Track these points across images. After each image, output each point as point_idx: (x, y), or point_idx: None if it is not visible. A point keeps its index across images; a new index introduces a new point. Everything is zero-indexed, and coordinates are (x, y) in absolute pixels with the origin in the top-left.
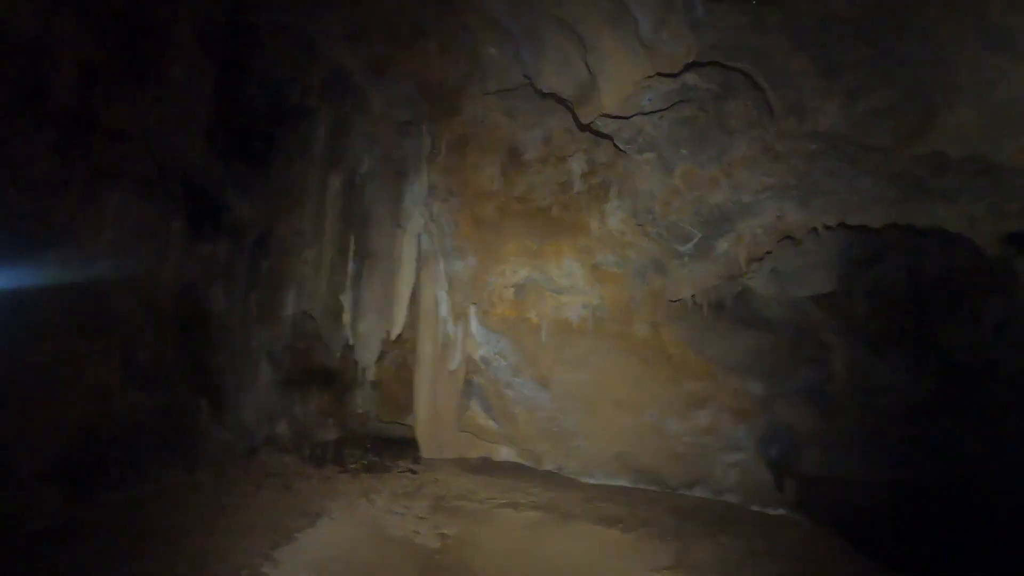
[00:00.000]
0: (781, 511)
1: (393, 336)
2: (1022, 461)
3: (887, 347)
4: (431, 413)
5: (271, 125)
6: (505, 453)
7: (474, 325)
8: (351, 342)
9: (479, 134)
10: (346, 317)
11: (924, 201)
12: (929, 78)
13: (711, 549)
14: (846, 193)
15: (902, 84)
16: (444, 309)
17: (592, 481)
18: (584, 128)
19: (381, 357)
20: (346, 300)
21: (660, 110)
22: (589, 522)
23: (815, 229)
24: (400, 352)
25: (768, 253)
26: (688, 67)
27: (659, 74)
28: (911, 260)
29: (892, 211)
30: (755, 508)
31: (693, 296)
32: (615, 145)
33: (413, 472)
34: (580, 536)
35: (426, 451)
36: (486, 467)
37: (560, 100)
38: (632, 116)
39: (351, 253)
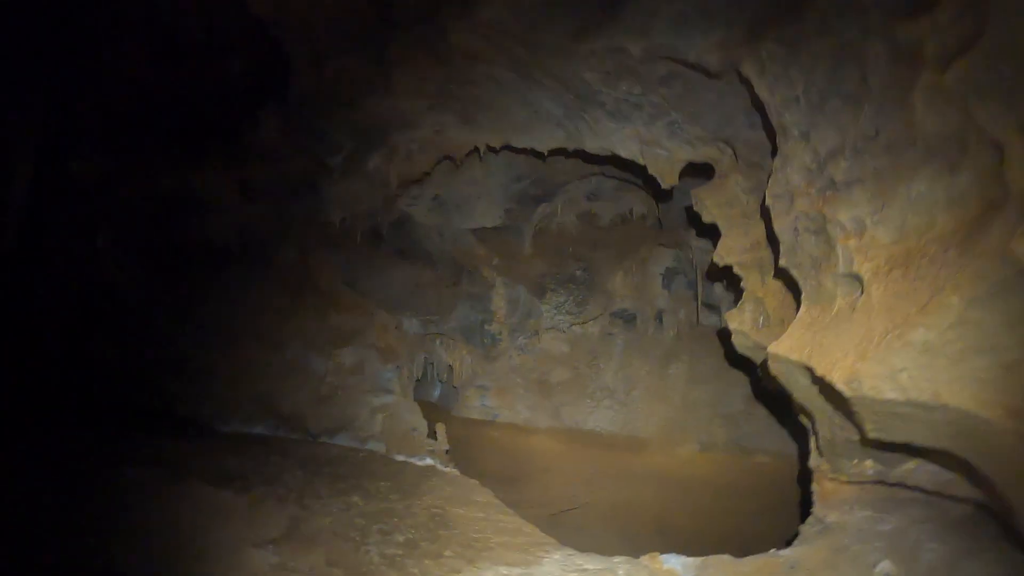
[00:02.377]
0: (429, 462)
1: None
2: None
3: (550, 288)
4: None
5: None
6: (128, 396)
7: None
8: None
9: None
10: None
11: (595, 120)
12: None
13: (336, 513)
14: (512, 108)
15: None
16: None
17: (227, 429)
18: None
19: None
20: None
21: None
22: (203, 481)
23: (477, 150)
24: None
25: (427, 175)
26: None
27: None
28: (585, 204)
29: (560, 132)
30: (400, 458)
31: (344, 220)
32: (272, 38)
33: None
34: (184, 500)
35: None
36: (103, 414)
37: None
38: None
39: None
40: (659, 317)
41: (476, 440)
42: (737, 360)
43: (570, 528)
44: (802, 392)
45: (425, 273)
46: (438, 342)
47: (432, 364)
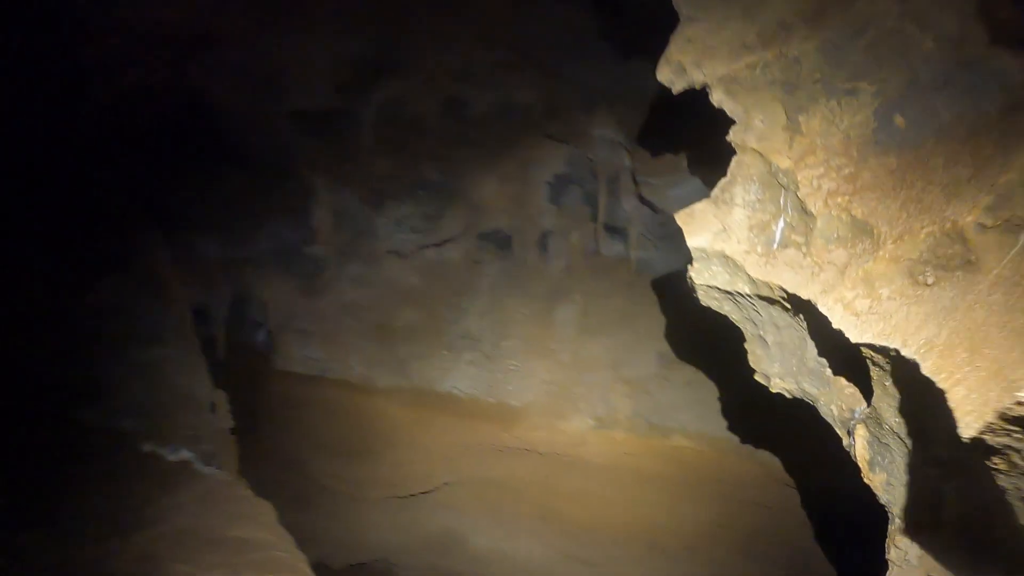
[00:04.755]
0: (185, 455)
1: None
2: None
3: (391, 195)
4: None
5: None
6: None
7: None
8: None
9: None
10: None
11: None
12: None
13: None
14: None
15: None
16: None
17: None
18: None
19: None
20: None
21: None
22: None
23: None
24: None
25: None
26: None
27: None
28: (452, 86)
29: None
30: (148, 448)
31: (112, 97)
32: None
33: None
34: None
35: None
36: None
37: None
38: None
39: None
40: (543, 242)
41: (299, 402)
42: (655, 304)
43: (431, 511)
44: None
45: (231, 177)
46: (248, 271)
47: (246, 301)
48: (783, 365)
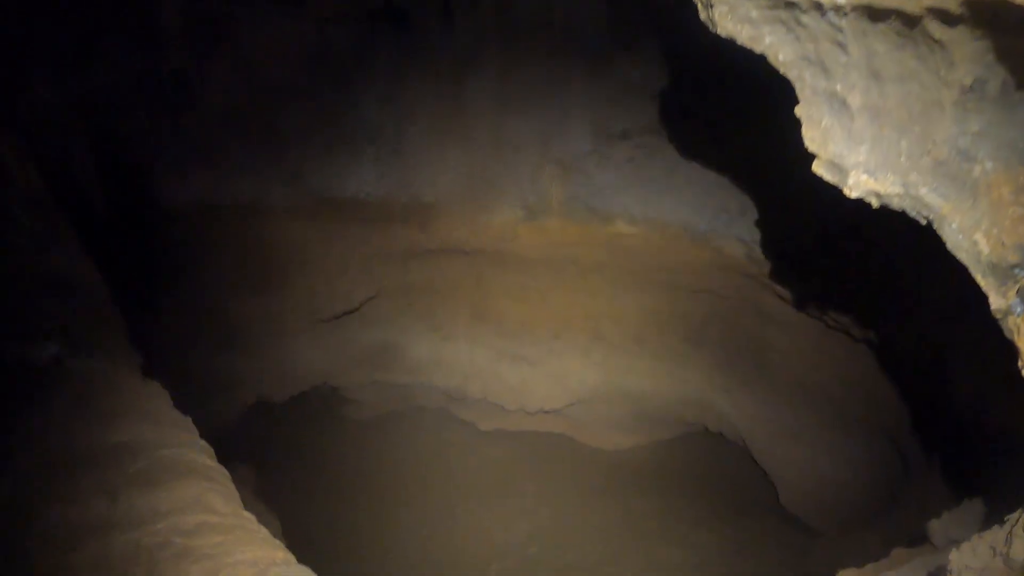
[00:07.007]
0: (52, 351)
1: None
2: None
3: None
4: None
5: None
6: None
7: None
8: None
9: None
10: None
11: None
12: None
13: None
14: None
15: None
16: None
17: None
18: None
19: None
20: None
21: None
22: None
23: None
24: None
25: None
26: None
27: None
28: None
29: None
30: (11, 354)
31: None
32: None
33: None
34: None
35: None
36: None
37: None
38: None
39: None
40: (446, 6)
41: (196, 240)
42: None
43: (360, 329)
44: None
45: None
46: (102, 104)
47: (110, 140)
48: (878, 150)
